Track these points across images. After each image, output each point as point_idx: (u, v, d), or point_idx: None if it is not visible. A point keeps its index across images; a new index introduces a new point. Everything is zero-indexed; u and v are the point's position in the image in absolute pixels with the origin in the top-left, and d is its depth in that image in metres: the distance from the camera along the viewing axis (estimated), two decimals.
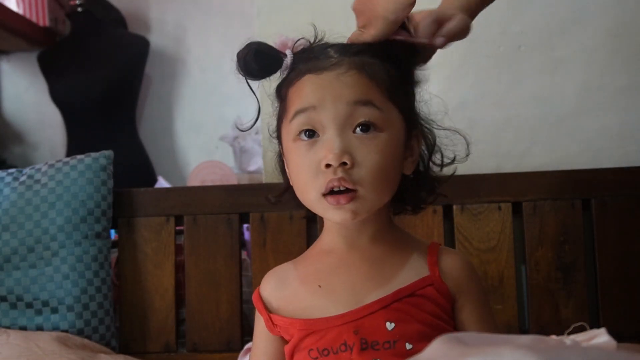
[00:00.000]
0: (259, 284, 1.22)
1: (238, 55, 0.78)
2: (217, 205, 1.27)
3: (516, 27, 1.35)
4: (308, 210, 0.81)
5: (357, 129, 0.73)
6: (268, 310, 0.82)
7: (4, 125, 2.42)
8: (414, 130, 0.80)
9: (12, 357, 1.05)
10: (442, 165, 0.83)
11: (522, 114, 1.36)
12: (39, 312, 1.19)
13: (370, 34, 0.76)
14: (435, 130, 0.83)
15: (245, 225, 1.41)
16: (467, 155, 0.83)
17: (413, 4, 0.75)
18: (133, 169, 2.16)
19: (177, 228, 1.29)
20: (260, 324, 0.84)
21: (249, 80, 0.80)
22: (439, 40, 0.80)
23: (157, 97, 2.44)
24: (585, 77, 1.34)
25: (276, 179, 1.32)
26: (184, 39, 2.42)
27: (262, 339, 0.84)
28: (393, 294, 0.75)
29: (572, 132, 1.34)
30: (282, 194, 0.87)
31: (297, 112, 0.74)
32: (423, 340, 0.72)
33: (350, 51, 0.76)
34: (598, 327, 0.66)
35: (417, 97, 0.82)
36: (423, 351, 0.51)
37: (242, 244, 1.39)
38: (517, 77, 1.36)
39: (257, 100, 0.83)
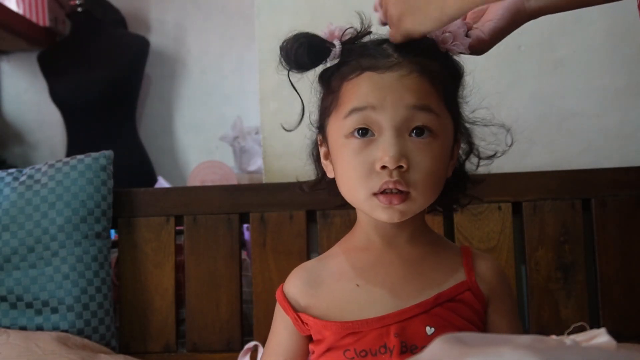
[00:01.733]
0: (259, 284, 1.23)
1: (285, 48, 0.76)
2: (217, 205, 1.27)
3: None
4: (340, 200, 0.80)
5: (413, 132, 0.73)
6: (295, 309, 0.80)
7: (4, 125, 2.42)
8: (458, 134, 0.80)
9: (12, 357, 1.05)
10: (478, 164, 0.84)
11: (522, 114, 1.36)
12: (39, 312, 1.19)
13: (417, 30, 0.74)
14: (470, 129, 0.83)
15: (245, 225, 1.41)
16: (510, 145, 0.84)
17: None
18: (133, 169, 2.16)
19: (177, 228, 1.29)
20: (283, 321, 0.81)
21: (290, 74, 0.78)
22: (478, 40, 0.80)
23: (157, 97, 2.44)
24: (585, 77, 1.34)
25: (276, 179, 1.33)
26: (184, 39, 2.42)
27: (284, 336, 0.82)
28: (434, 299, 0.75)
29: (572, 132, 1.34)
30: (317, 184, 0.86)
31: (354, 110, 0.73)
32: None
33: (411, 51, 0.75)
34: (598, 327, 0.66)
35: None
36: (423, 351, 0.51)
37: (242, 244, 1.39)
38: (517, 77, 1.36)
39: (300, 97, 0.82)
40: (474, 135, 0.83)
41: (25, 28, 2.20)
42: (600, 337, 0.52)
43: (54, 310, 1.19)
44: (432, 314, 0.74)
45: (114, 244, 1.31)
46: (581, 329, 0.57)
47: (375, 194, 0.72)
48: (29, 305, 1.19)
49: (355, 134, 0.73)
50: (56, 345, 1.10)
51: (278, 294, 0.82)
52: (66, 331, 1.18)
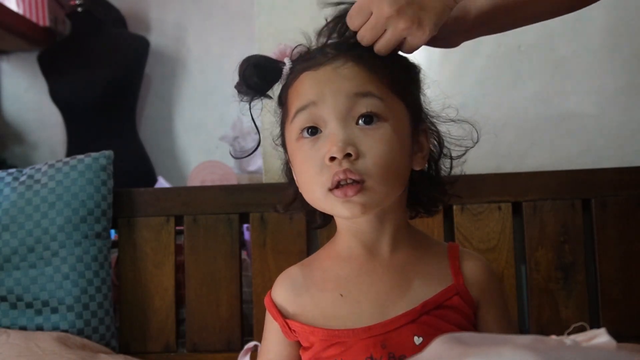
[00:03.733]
0: (259, 284, 1.24)
1: (238, 71, 0.77)
2: (217, 205, 1.27)
3: None
4: (318, 219, 0.80)
5: (360, 120, 0.71)
6: (283, 315, 0.79)
7: (4, 125, 2.42)
8: (421, 124, 0.78)
9: (12, 357, 1.05)
10: (451, 162, 0.81)
11: (522, 114, 1.36)
12: (39, 312, 1.19)
13: (424, 36, 0.72)
14: (441, 130, 0.82)
15: (245, 225, 1.41)
16: (476, 143, 0.81)
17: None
18: (133, 169, 2.16)
19: (177, 228, 1.29)
20: (273, 328, 0.81)
21: (249, 99, 0.79)
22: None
23: (157, 97, 2.43)
24: (585, 77, 1.34)
25: (276, 179, 1.33)
26: (184, 39, 2.42)
27: (275, 343, 0.81)
28: (420, 307, 0.73)
29: (572, 132, 1.34)
30: (292, 202, 0.83)
31: (298, 111, 0.73)
32: None
33: (347, 45, 0.74)
34: (598, 327, 0.66)
35: (422, 92, 0.81)
36: (423, 351, 0.51)
37: (242, 244, 1.39)
38: (517, 77, 1.36)
39: (256, 126, 0.82)
40: (443, 136, 0.81)
41: (25, 28, 2.20)
42: (600, 337, 0.52)
43: (54, 310, 1.19)
44: (420, 322, 0.73)
45: (114, 244, 1.31)
46: (581, 329, 0.57)
47: (330, 190, 0.70)
48: (29, 305, 1.19)
49: (305, 134, 0.73)
50: (56, 345, 1.10)
51: (266, 301, 0.81)
52: (66, 331, 1.18)
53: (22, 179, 1.26)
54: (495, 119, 1.36)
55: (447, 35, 0.80)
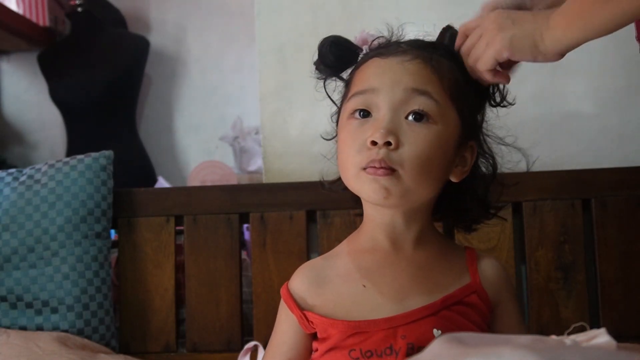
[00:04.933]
0: (259, 284, 1.23)
1: (318, 47, 0.80)
2: (217, 205, 1.27)
3: None
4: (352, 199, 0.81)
5: (410, 116, 0.73)
6: (301, 307, 0.79)
7: (4, 125, 2.42)
8: (471, 140, 0.80)
9: (12, 357, 1.05)
10: (502, 187, 0.85)
11: (522, 114, 1.35)
12: (39, 312, 1.19)
13: (507, 52, 0.74)
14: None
15: (245, 225, 1.41)
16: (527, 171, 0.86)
17: None
18: (133, 169, 2.16)
19: (177, 228, 1.29)
20: (288, 319, 0.81)
21: (324, 77, 0.82)
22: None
23: (157, 97, 2.43)
24: (586, 77, 1.34)
25: (276, 179, 1.33)
26: (184, 39, 2.42)
27: (290, 335, 0.81)
28: (441, 301, 0.75)
29: (572, 132, 1.34)
30: (337, 181, 0.86)
31: (357, 92, 0.76)
32: None
33: (421, 44, 0.77)
34: (598, 327, 0.66)
35: (482, 112, 0.83)
36: (423, 351, 0.51)
37: (242, 244, 1.39)
38: (517, 77, 1.35)
39: (331, 99, 0.84)
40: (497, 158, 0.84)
41: (25, 28, 2.20)
42: (600, 337, 0.52)
43: (54, 310, 1.19)
44: (440, 316, 0.75)
45: (114, 244, 1.31)
46: (581, 329, 0.57)
47: (363, 169, 0.73)
48: (29, 305, 1.19)
49: (356, 115, 0.75)
50: (56, 345, 1.10)
51: (283, 292, 0.81)
52: (66, 331, 1.18)
53: (22, 179, 1.26)
54: (495, 118, 1.35)
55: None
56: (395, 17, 0.85)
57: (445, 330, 0.73)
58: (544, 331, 1.16)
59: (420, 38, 0.81)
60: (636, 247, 1.18)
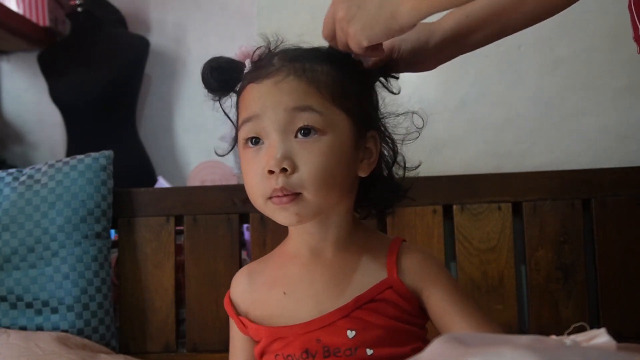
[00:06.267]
0: None
1: (201, 73, 0.82)
2: (217, 205, 1.27)
3: None
4: None
5: (299, 133, 0.74)
6: (237, 312, 0.85)
7: (4, 125, 2.42)
8: (370, 131, 0.80)
9: (12, 357, 1.05)
10: (404, 169, 0.84)
11: (522, 114, 1.36)
12: (39, 312, 1.19)
13: (363, 41, 0.75)
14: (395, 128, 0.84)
15: (245, 225, 1.41)
16: (421, 129, 0.83)
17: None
18: (133, 169, 2.16)
19: (177, 228, 1.29)
20: (233, 324, 0.87)
21: (217, 97, 0.84)
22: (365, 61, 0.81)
23: (157, 97, 2.43)
24: (585, 77, 1.34)
25: None
26: (184, 39, 2.42)
27: (237, 338, 0.87)
28: (353, 302, 0.76)
29: (572, 132, 1.34)
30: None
31: (244, 122, 0.77)
32: (384, 344, 0.75)
33: (292, 57, 0.77)
34: (598, 327, 0.66)
35: (374, 98, 0.83)
36: (423, 351, 0.51)
37: (242, 244, 1.39)
38: (517, 77, 1.36)
39: (231, 121, 0.85)
40: (396, 142, 0.83)
41: (25, 28, 2.20)
42: (600, 337, 0.52)
43: (54, 310, 1.19)
44: (352, 317, 0.76)
45: (114, 244, 1.31)
46: (581, 329, 0.57)
47: (270, 198, 0.74)
48: (29, 305, 1.19)
49: (249, 143, 0.77)
50: (56, 345, 1.10)
51: (225, 299, 0.87)
52: (66, 331, 1.18)
53: (22, 179, 1.26)
54: (495, 118, 1.36)
55: (420, 60, 0.84)
56: None
57: (358, 329, 0.75)
58: (544, 331, 1.16)
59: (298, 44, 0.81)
60: (636, 247, 1.18)
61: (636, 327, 1.16)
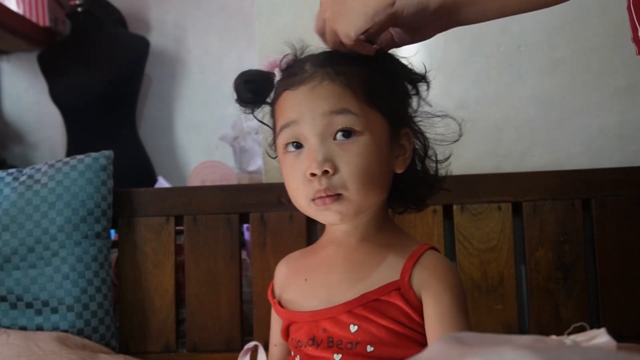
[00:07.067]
0: (259, 284, 1.24)
1: (233, 88, 0.84)
2: (217, 205, 1.27)
3: (516, 27, 1.35)
4: None
5: (338, 135, 0.76)
6: (274, 294, 0.89)
7: (4, 125, 2.42)
8: (403, 129, 0.82)
9: (12, 357, 1.05)
10: (436, 162, 0.86)
11: (522, 114, 1.36)
12: (39, 312, 1.19)
13: (350, 33, 0.77)
14: (428, 129, 0.86)
15: (245, 225, 1.41)
16: (460, 137, 0.85)
17: (393, 4, 0.76)
18: (133, 169, 2.16)
19: (177, 228, 1.29)
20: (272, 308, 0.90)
21: (250, 110, 0.86)
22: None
23: (157, 97, 2.43)
24: (585, 77, 1.34)
25: (276, 179, 1.33)
26: (184, 39, 2.42)
27: (274, 321, 0.91)
28: (359, 298, 0.78)
29: (572, 132, 1.34)
30: None
31: (282, 128, 0.79)
32: (385, 344, 0.76)
33: (323, 61, 0.79)
34: (598, 327, 0.66)
35: (406, 96, 0.84)
36: (423, 351, 0.51)
37: (242, 244, 1.39)
38: (517, 77, 1.36)
39: (269, 126, 0.87)
40: (427, 137, 0.85)
41: (25, 28, 2.20)
42: (600, 337, 0.52)
43: (54, 310, 1.19)
44: (355, 313, 0.78)
45: (114, 244, 1.31)
46: (581, 329, 0.57)
47: (313, 200, 0.77)
48: (29, 305, 1.19)
49: (289, 148, 0.79)
50: (56, 345, 1.10)
51: (271, 284, 0.92)
52: (66, 331, 1.18)
53: (22, 179, 1.26)
54: (495, 118, 1.36)
55: (419, 26, 0.83)
56: None
57: (360, 325, 0.77)
58: (544, 331, 1.16)
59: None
60: (636, 247, 1.18)
61: (636, 327, 1.16)
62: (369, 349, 0.76)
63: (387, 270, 0.80)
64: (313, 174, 0.75)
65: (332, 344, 0.78)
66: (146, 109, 2.43)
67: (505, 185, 1.22)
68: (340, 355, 0.77)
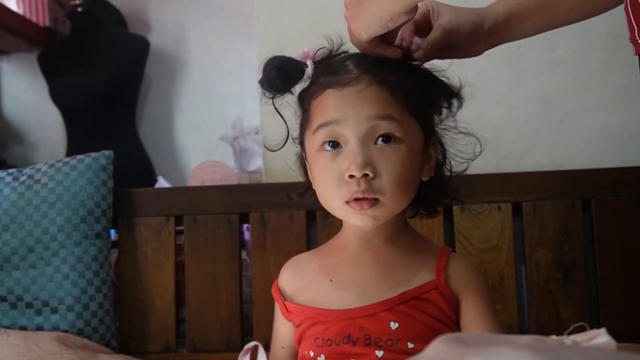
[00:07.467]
0: (259, 284, 1.24)
1: (262, 71, 0.83)
2: (217, 205, 1.27)
3: None
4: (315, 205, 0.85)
5: (379, 140, 0.77)
6: (283, 297, 0.88)
7: (4, 125, 2.42)
8: (432, 138, 0.84)
9: (12, 357, 1.05)
10: (451, 171, 0.88)
11: (522, 114, 1.36)
12: (39, 312, 1.19)
13: (362, 35, 0.77)
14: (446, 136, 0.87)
15: (245, 225, 1.41)
16: (476, 156, 0.88)
17: (412, 12, 0.76)
18: (133, 169, 2.16)
19: (177, 228, 1.29)
20: (277, 309, 0.90)
21: (272, 96, 0.84)
22: (417, 53, 0.84)
23: (157, 97, 2.43)
24: (585, 77, 1.34)
25: (276, 179, 1.33)
26: (184, 39, 2.42)
27: (280, 323, 0.90)
28: (398, 297, 0.80)
29: (572, 132, 1.34)
30: (305, 192, 0.91)
31: (321, 125, 0.79)
32: (424, 341, 0.76)
33: (369, 65, 0.79)
34: (598, 327, 0.66)
35: (441, 106, 0.86)
36: (423, 351, 0.51)
37: (242, 244, 1.39)
38: (517, 77, 1.36)
39: (284, 120, 0.87)
40: (446, 145, 0.87)
41: (25, 28, 2.20)
42: (600, 337, 0.52)
43: (54, 310, 1.19)
44: (396, 310, 0.79)
45: (114, 244, 1.31)
46: (581, 329, 0.57)
47: (347, 202, 0.77)
48: (29, 305, 1.19)
49: (326, 147, 0.79)
50: (56, 345, 1.10)
51: (273, 286, 0.91)
52: (66, 331, 1.18)
53: (22, 179, 1.26)
54: (495, 119, 1.36)
55: (466, 45, 0.86)
56: None
57: (401, 322, 0.79)
58: (544, 331, 1.16)
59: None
60: (636, 247, 1.18)
61: (636, 327, 1.16)
62: (410, 345, 0.78)
63: (421, 271, 0.82)
64: (352, 176, 0.75)
65: (370, 342, 0.79)
66: (146, 109, 2.43)
67: (505, 185, 1.22)
68: (382, 352, 0.78)
